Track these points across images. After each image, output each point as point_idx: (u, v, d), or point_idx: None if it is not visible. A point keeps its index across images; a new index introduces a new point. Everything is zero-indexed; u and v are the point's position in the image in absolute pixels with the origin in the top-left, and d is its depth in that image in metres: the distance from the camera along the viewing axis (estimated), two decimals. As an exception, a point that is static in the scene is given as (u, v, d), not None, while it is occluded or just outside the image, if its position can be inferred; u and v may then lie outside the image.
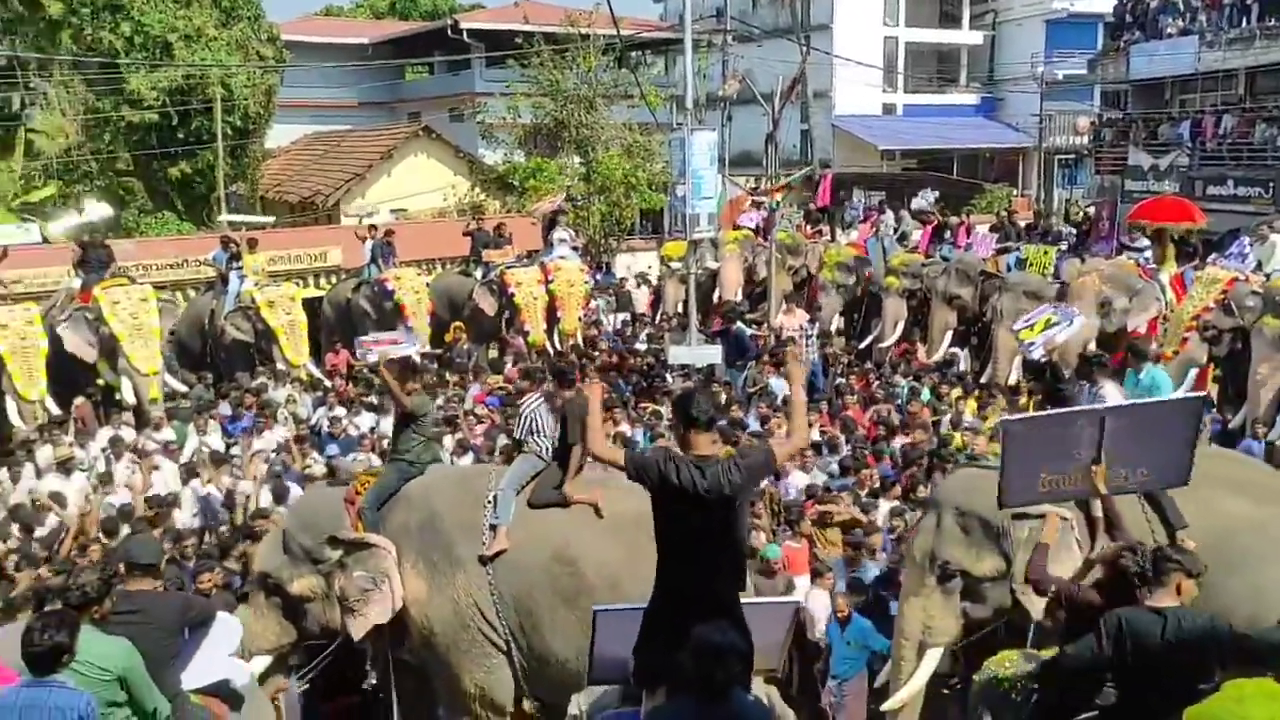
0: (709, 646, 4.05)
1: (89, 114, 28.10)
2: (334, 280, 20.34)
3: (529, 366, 15.25)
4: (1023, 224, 22.11)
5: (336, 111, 36.92)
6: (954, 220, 21.53)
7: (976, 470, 8.81)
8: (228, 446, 12.21)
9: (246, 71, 28.01)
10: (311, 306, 17.02)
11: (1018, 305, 14.34)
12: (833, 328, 17.55)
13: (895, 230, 21.19)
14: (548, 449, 7.29)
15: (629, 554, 6.64)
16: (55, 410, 13.42)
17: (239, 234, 16.27)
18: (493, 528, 7.03)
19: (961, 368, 15.36)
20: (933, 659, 6.90)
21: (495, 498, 7.08)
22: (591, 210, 26.06)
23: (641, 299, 21.62)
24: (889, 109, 40.11)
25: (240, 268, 16.06)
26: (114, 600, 4.97)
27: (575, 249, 19.93)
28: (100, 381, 14.39)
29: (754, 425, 11.78)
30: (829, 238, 21.73)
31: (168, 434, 12.43)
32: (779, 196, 17.81)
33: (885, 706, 7.01)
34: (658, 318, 19.36)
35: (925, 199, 20.17)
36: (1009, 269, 16.91)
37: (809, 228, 22.72)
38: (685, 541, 4.85)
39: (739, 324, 15.23)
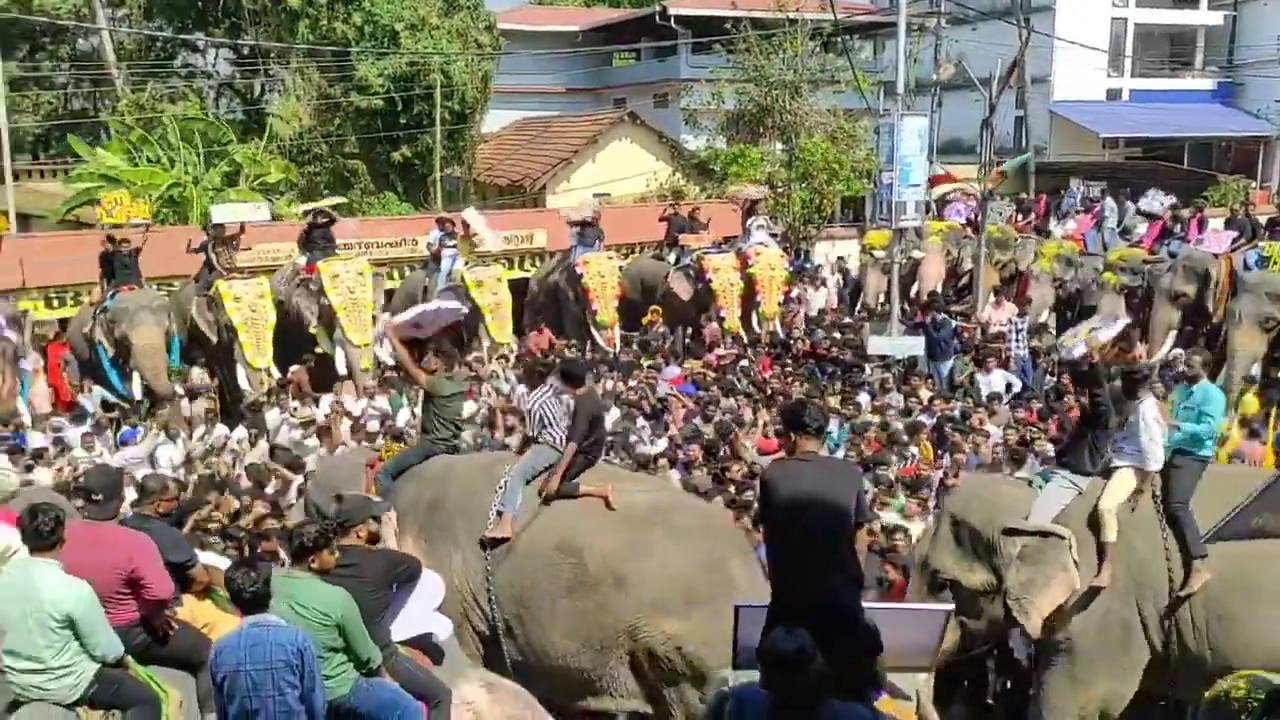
0: (781, 655, 3.95)
1: (321, 100, 29.91)
2: (539, 262, 20.96)
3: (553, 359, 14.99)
4: (1262, 219, 20.42)
5: (546, 97, 37.93)
6: (1184, 213, 20.12)
7: (984, 479, 8.30)
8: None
9: (465, 59, 29.12)
10: (518, 287, 17.58)
11: (1259, 308, 13.30)
12: (1042, 322, 16.75)
13: (1118, 223, 20.00)
14: (561, 440, 7.25)
15: (634, 548, 6.62)
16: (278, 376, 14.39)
17: (455, 216, 16.96)
18: (499, 514, 6.98)
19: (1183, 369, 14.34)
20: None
21: (504, 484, 7.06)
22: (792, 197, 25.77)
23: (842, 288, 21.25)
24: (1114, 94, 37.81)
25: (454, 248, 16.74)
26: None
27: (774, 235, 19.78)
28: (318, 350, 15.35)
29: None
30: (1042, 231, 20.72)
31: (382, 403, 13.11)
32: (990, 187, 17.07)
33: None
34: (857, 307, 18.99)
35: (1157, 201, 18.85)
36: (1247, 267, 15.67)
37: (1020, 218, 21.75)
38: (798, 540, 4.94)
39: (943, 316, 14.74)
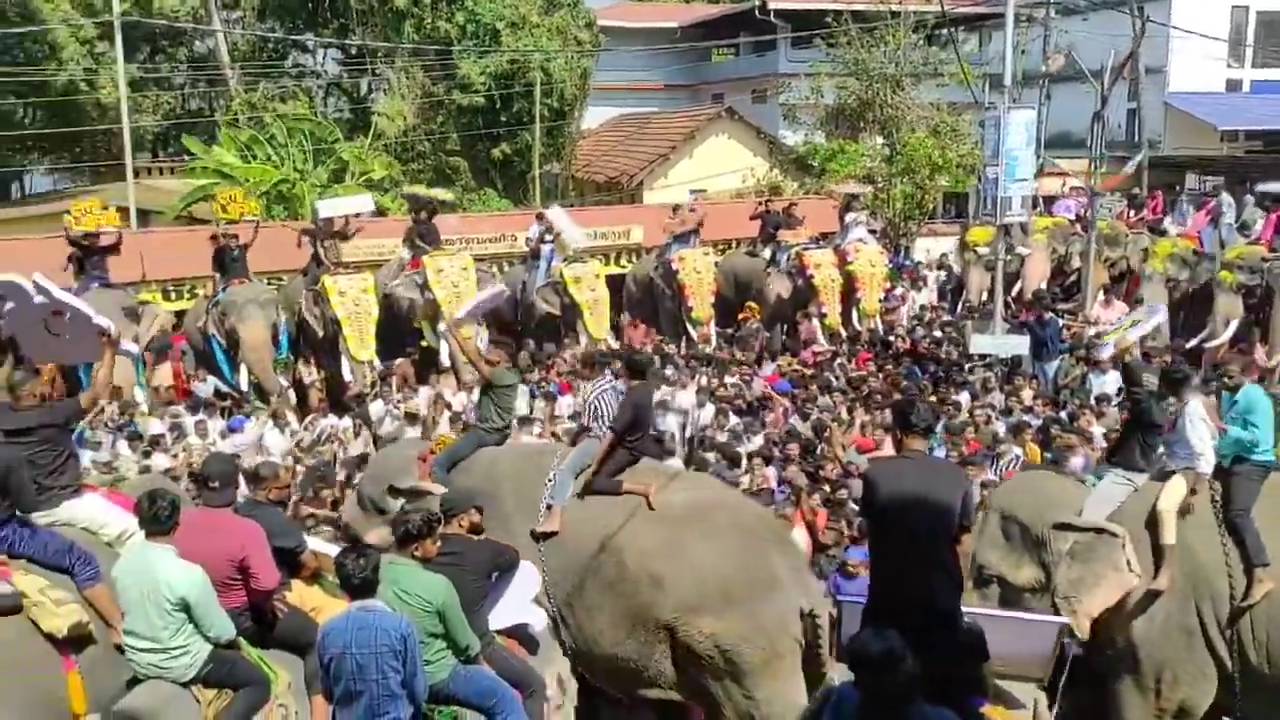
0: (868, 656, 3.88)
1: (424, 98, 30.49)
2: (635, 258, 21.04)
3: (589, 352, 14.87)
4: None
5: (644, 94, 38.02)
6: (1309, 208, 19.19)
7: (1034, 474, 8.02)
8: (531, 409, 12.90)
9: (564, 56, 29.37)
10: (614, 283, 17.67)
11: None
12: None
13: (1236, 220, 19.17)
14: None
15: (671, 547, 6.60)
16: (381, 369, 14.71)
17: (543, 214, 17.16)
18: (549, 507, 6.99)
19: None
20: None
21: (554, 477, 7.07)
22: (893, 193, 25.37)
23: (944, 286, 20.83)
24: (1233, 85, 36.23)
25: (553, 243, 16.89)
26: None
27: (873, 232, 19.51)
28: (423, 343, 15.65)
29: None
30: (1156, 229, 19.99)
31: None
32: (1108, 188, 16.53)
33: None
34: (959, 305, 18.60)
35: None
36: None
37: (1132, 214, 21.02)
38: (900, 540, 4.90)
39: (1050, 315, 14.34)
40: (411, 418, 11.95)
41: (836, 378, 13.67)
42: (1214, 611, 6.53)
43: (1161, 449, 6.96)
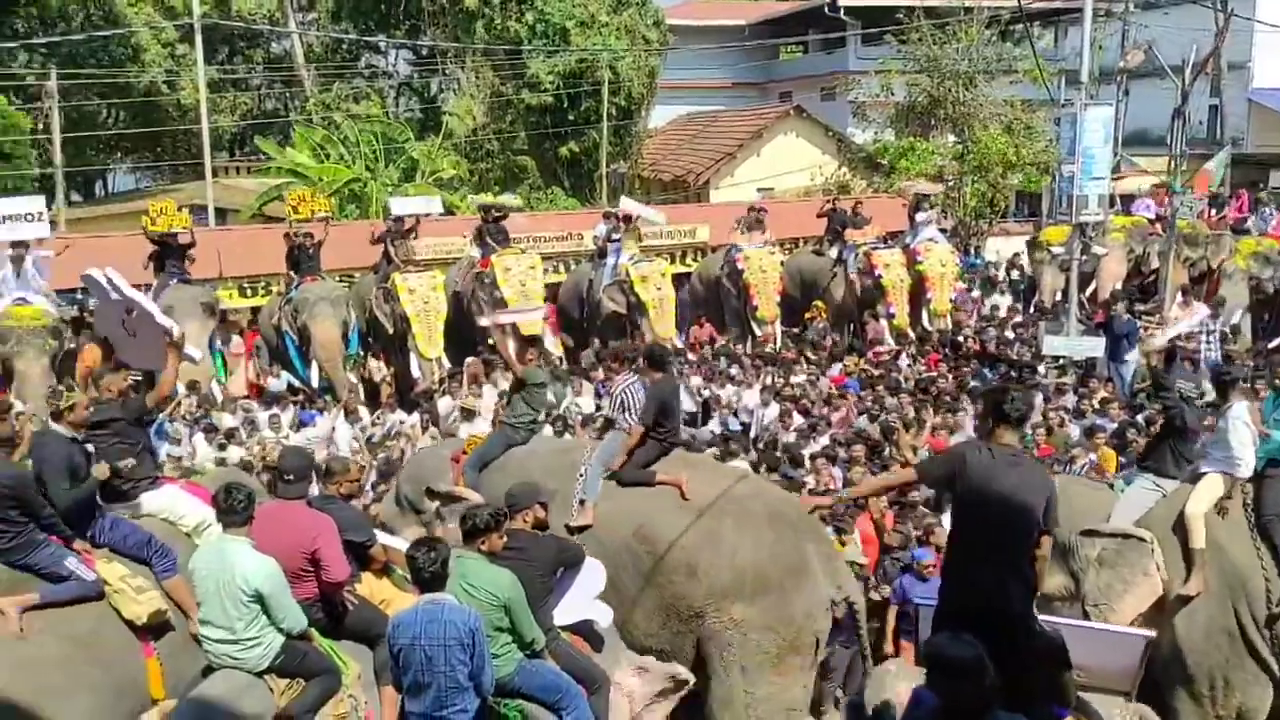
0: (947, 661, 3.81)
1: (494, 97, 30.77)
2: (700, 256, 21.00)
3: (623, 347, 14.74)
4: None
5: (711, 92, 37.93)
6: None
7: (1060, 480, 7.89)
8: (597, 407, 12.94)
9: (632, 54, 29.43)
10: (679, 281, 17.65)
11: None
12: (1235, 324, 15.72)
13: (1323, 219, 18.57)
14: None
15: (705, 538, 6.66)
16: (448, 366, 14.86)
17: (621, 212, 17.19)
18: (581, 502, 7.04)
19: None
20: None
21: (585, 472, 7.13)
22: (965, 191, 24.99)
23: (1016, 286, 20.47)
24: (1321, 81, 35.07)
25: (619, 242, 16.94)
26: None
27: (943, 231, 19.23)
28: (491, 341, 15.77)
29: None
30: (1239, 229, 19.41)
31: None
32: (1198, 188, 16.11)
33: None
34: (1031, 305, 18.26)
35: None
36: None
37: (1213, 214, 20.44)
38: (978, 537, 4.77)
39: (1126, 316, 14.01)
40: (468, 413, 12.07)
41: (905, 379, 13.51)
42: (1251, 612, 6.45)
43: (1198, 450, 6.87)
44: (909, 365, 14.49)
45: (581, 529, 6.98)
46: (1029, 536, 4.80)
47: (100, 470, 5.98)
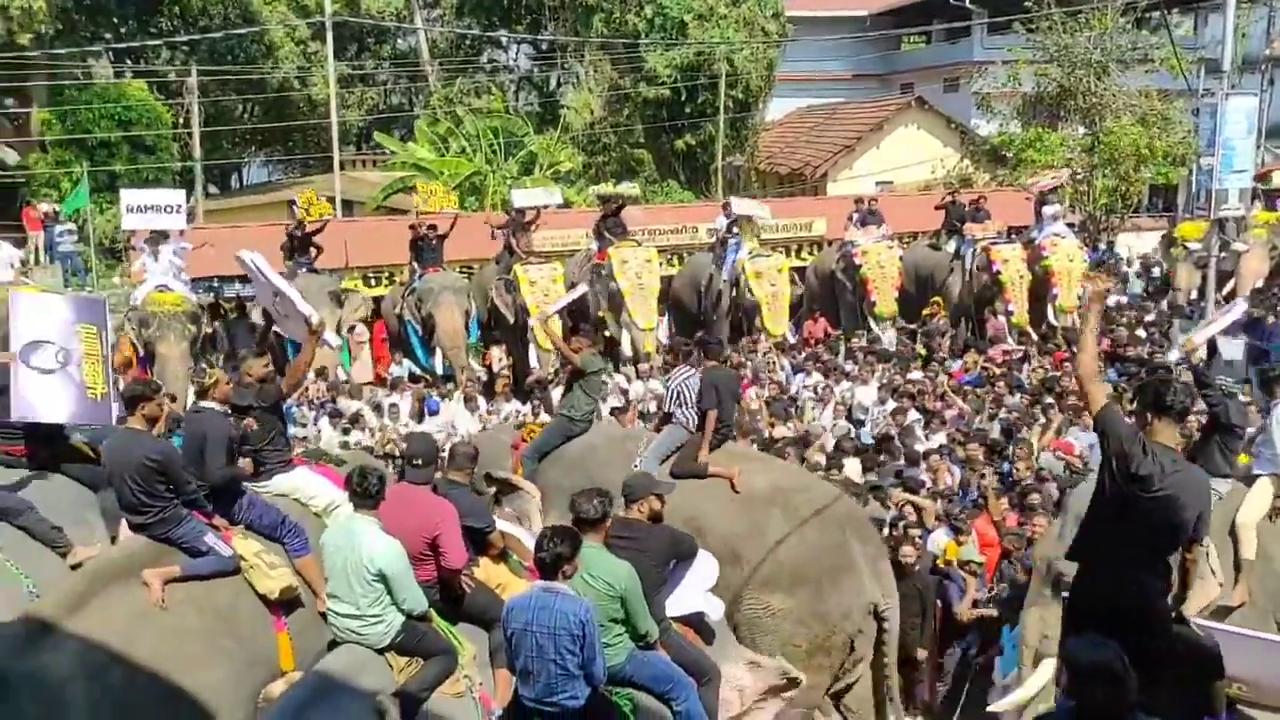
0: (1087, 665, 3.68)
1: (611, 91, 30.99)
2: (817, 250, 20.79)
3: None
4: None
5: (830, 84, 37.40)
6: None
7: None
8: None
9: (750, 47, 29.26)
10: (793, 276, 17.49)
11: None
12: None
13: None
14: (692, 419, 7.45)
15: (752, 529, 6.74)
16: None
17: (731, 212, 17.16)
18: None
19: None
20: (1047, 669, 6.29)
21: (639, 463, 7.25)
22: (1094, 185, 24.13)
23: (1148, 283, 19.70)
24: None
25: (738, 237, 16.88)
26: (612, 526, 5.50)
27: (1071, 226, 18.63)
28: (606, 333, 15.93)
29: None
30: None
31: (655, 385, 13.46)
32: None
33: (991, 708, 6.55)
34: (1164, 304, 17.56)
35: None
36: None
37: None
38: (1124, 532, 4.58)
39: (1271, 316, 13.38)
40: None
41: (1028, 377, 13.14)
42: None
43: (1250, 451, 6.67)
44: (1032, 363, 14.08)
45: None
46: (1181, 542, 4.61)
47: (246, 464, 6.26)
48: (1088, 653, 3.72)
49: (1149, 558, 4.58)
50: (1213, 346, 8.02)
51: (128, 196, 14.35)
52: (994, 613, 7.89)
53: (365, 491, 5.39)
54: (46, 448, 7.17)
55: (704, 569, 6.18)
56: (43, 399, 6.93)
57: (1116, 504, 4.67)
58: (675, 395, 7.68)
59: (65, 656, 5.11)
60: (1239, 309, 9.64)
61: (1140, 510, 4.57)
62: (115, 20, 31.12)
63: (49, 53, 26.25)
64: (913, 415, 11.83)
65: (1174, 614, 4.82)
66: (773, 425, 11.53)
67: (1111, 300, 18.38)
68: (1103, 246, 23.42)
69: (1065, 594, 6.21)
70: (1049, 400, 11.80)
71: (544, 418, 12.26)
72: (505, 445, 8.01)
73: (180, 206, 14.35)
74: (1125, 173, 23.87)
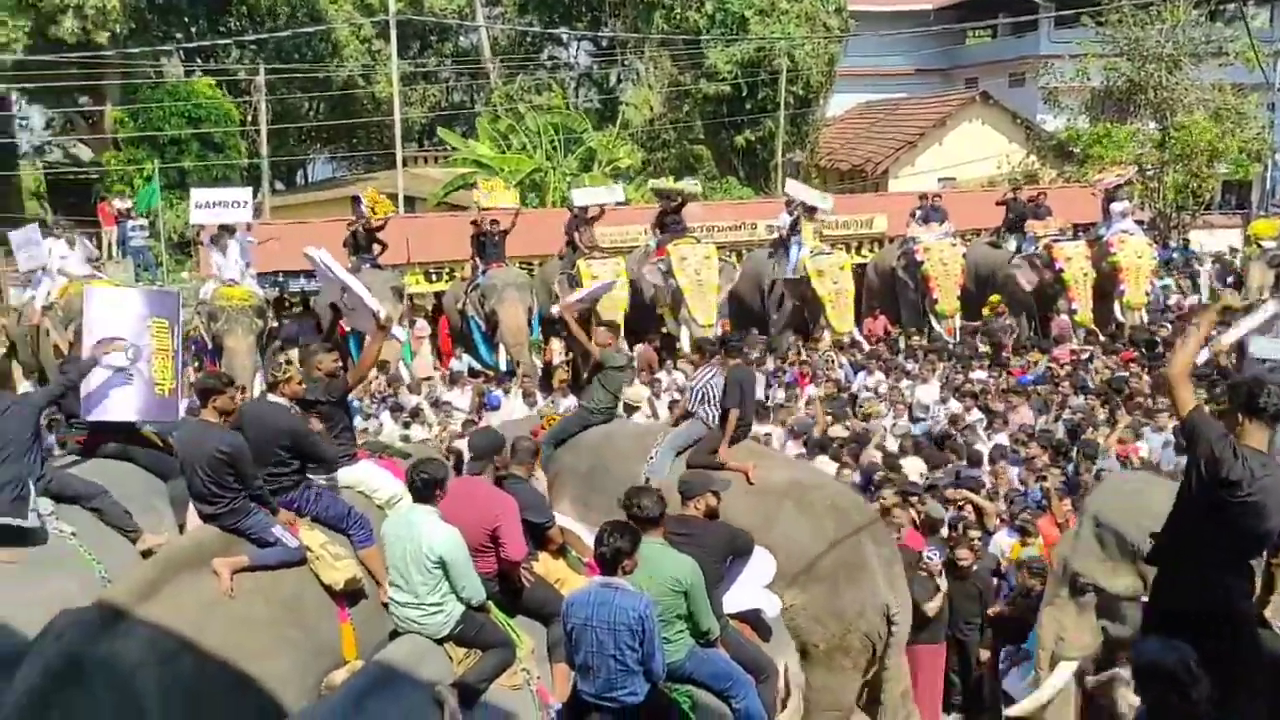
0: (1159, 669, 3.59)
1: (671, 87, 30.95)
2: (878, 247, 20.58)
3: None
4: None
5: (892, 79, 37.05)
6: None
7: (1130, 477, 7.45)
8: (768, 398, 12.89)
9: (811, 42, 29.05)
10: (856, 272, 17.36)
11: None
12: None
13: None
14: (714, 417, 7.49)
15: (767, 523, 6.74)
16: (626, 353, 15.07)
17: (800, 203, 17.03)
18: (646, 481, 7.14)
19: None
20: (1064, 671, 6.40)
21: (655, 454, 7.35)
22: (1165, 181, 23.59)
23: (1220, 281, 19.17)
24: None
25: (799, 233, 16.79)
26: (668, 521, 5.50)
27: (1140, 223, 18.24)
28: (664, 330, 15.94)
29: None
30: None
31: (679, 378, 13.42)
32: None
33: (1008, 712, 6.53)
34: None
35: None
36: None
37: None
38: (1211, 535, 4.47)
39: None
40: (630, 408, 12.22)
41: (1094, 377, 12.88)
42: None
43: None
44: (1097, 363, 13.81)
45: None
46: (1267, 546, 4.50)
47: (315, 423, 6.38)
48: (1158, 655, 3.64)
49: (1235, 561, 4.48)
50: (1242, 347, 7.83)
51: (197, 194, 14.68)
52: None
53: (426, 483, 5.45)
54: (117, 437, 7.40)
55: (761, 565, 6.17)
56: (112, 397, 7.16)
57: (1204, 506, 4.56)
58: (699, 393, 7.73)
59: (137, 643, 5.23)
60: (1270, 309, 9.41)
61: (1228, 514, 4.46)
62: (186, 20, 31.77)
63: (122, 52, 26.86)
64: (975, 415, 11.68)
65: (1258, 618, 4.70)
66: (831, 424, 11.43)
67: (1182, 299, 18.01)
68: (1174, 244, 22.88)
69: (1144, 597, 6.11)
70: (1117, 401, 11.55)
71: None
72: (525, 434, 8.15)
73: (247, 202, 14.64)
74: (1197, 169, 23.32)
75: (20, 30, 24.22)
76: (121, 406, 7.21)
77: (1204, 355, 10.80)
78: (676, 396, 12.65)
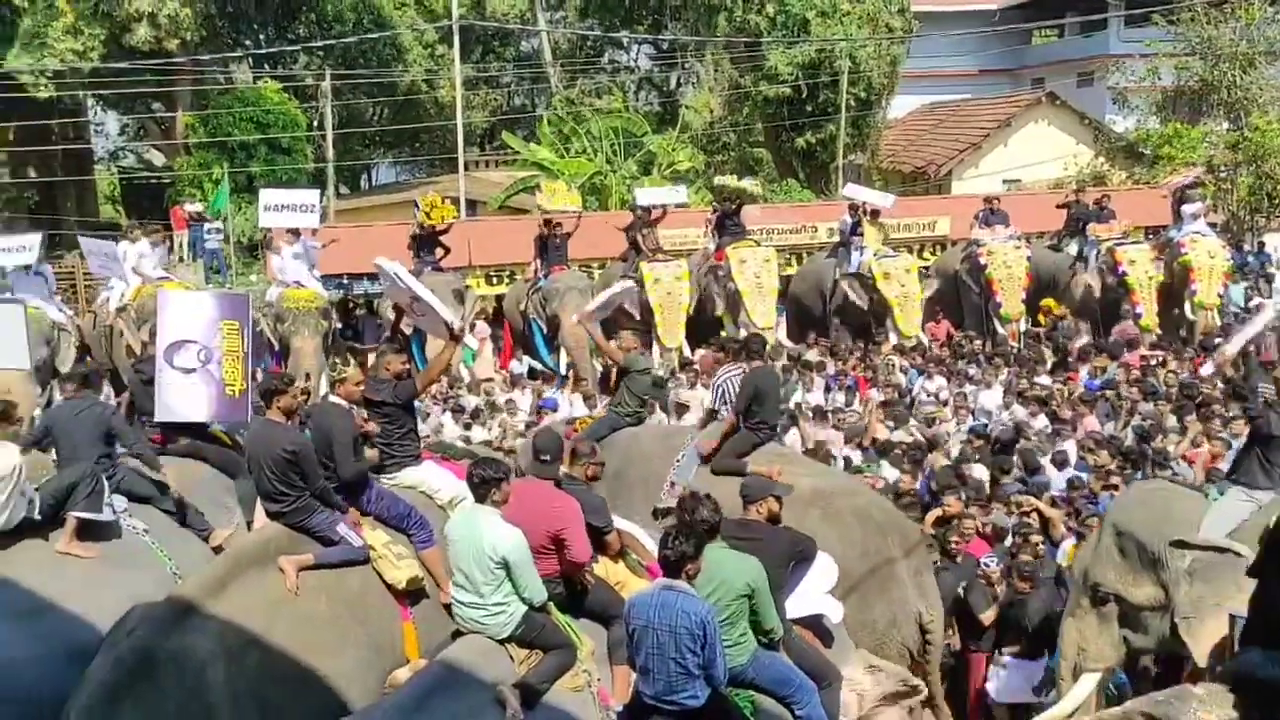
0: (1261, 685, 3.50)
1: (732, 90, 30.88)
2: (939, 250, 20.34)
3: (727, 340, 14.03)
4: None
5: (956, 80, 36.56)
6: None
7: (1151, 486, 7.27)
8: (827, 401, 12.78)
9: (874, 43, 28.80)
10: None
11: None
12: None
13: None
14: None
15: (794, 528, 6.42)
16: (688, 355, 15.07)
17: (864, 205, 16.89)
18: (672, 484, 7.22)
19: None
20: (1087, 683, 6.34)
21: (681, 458, 7.32)
22: (1238, 183, 23.01)
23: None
24: None
25: (862, 235, 16.63)
26: (729, 526, 5.48)
27: (1212, 225, 17.81)
28: (723, 334, 15.88)
29: None
30: None
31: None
32: None
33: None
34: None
35: None
36: None
37: None
38: None
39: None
40: (681, 407, 12.24)
41: (1166, 383, 12.58)
42: None
43: None
44: (1168, 367, 13.48)
45: (669, 511, 7.16)
46: None
47: (372, 455, 6.46)
48: (1264, 669, 3.54)
49: None
50: (1246, 358, 7.73)
51: (265, 196, 14.91)
52: None
53: (484, 482, 5.49)
54: (187, 435, 7.58)
55: (823, 571, 6.11)
56: (183, 399, 7.38)
57: None
58: (720, 394, 7.77)
59: (207, 637, 5.34)
60: (1267, 315, 9.17)
61: None
62: (255, 27, 32.42)
63: (194, 59, 27.50)
64: (1040, 421, 11.48)
65: None
66: (894, 429, 11.31)
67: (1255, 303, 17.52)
68: (1248, 247, 22.29)
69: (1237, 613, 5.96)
70: (1189, 407, 11.26)
71: (659, 415, 12.37)
72: (560, 435, 8.23)
73: (314, 205, 14.84)
74: (1271, 169, 22.72)
75: (96, 39, 24.92)
76: (193, 407, 7.41)
77: (1208, 369, 10.59)
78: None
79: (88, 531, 6.31)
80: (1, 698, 5.51)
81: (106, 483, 6.49)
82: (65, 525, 6.24)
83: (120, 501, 6.61)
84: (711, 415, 8.03)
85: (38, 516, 6.20)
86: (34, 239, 13.60)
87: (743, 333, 15.27)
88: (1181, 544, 6.13)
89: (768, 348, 14.38)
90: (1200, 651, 5.88)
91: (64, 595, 5.94)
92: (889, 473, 9.75)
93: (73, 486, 6.27)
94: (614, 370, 8.72)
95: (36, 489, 6.24)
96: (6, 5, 24.69)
